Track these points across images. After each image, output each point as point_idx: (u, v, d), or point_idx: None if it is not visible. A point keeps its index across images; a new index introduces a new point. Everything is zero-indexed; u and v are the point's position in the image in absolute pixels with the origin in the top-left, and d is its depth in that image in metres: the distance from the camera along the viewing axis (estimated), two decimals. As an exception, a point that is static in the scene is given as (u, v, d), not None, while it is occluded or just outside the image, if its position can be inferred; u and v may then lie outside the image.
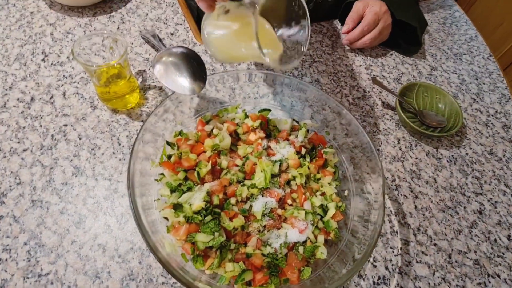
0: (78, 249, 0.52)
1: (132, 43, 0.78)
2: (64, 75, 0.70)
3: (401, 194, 0.64)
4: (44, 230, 0.53)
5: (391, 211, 0.62)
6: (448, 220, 0.62)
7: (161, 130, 0.58)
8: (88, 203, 0.56)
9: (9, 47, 0.73)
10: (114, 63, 0.56)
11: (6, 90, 0.67)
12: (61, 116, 0.65)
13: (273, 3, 0.46)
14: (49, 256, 0.51)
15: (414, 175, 0.67)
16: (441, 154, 0.71)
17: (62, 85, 0.69)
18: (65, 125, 0.64)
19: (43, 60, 0.72)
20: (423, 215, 0.62)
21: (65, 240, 0.52)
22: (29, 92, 0.67)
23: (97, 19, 0.80)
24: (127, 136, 0.64)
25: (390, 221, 0.61)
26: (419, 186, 0.66)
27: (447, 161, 0.70)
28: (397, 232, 0.60)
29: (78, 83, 0.70)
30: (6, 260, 0.50)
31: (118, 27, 0.80)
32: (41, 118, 0.64)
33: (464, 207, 0.64)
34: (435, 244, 0.59)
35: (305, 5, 0.45)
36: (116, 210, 0.56)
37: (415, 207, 0.63)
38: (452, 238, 0.60)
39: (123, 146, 0.62)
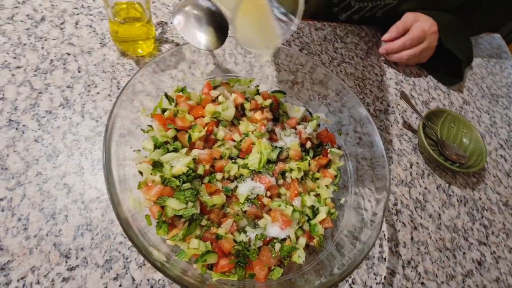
0: (42, 183, 0.47)
1: (161, -8, 0.73)
2: (82, 5, 0.66)
3: (399, 221, 0.59)
4: (12, 154, 0.48)
5: (384, 235, 0.56)
6: (443, 261, 0.56)
7: (165, 86, 0.54)
8: (67, 138, 0.51)
9: (34, -37, 0.69)
10: (134, -1, 0.52)
11: (19, 3, 0.62)
12: (67, 44, 0.60)
13: None
14: (8, 181, 0.46)
15: (419, 205, 0.61)
16: (453, 191, 0.65)
17: (77, 14, 0.64)
18: (68, 54, 0.59)
19: (65, -16, 0.68)
20: (418, 249, 0.56)
21: (31, 169, 0.48)
22: (41, 12, 0.63)
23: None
24: (128, 82, 0.59)
25: (381, 246, 0.55)
26: (421, 217, 0.60)
27: (458, 200, 0.64)
28: (385, 259, 0.54)
29: (94, 16, 0.65)
30: (-37, 172, 0.45)
31: (152, -27, 0.75)
32: (46, 40, 0.60)
33: (464, 253, 0.58)
34: (422, 283, 0.53)
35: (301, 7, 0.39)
36: (94, 154, 0.51)
37: (412, 238, 0.57)
38: (442, 282, 0.54)
39: (121, 91, 0.58)
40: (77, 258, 0.43)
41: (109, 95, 0.57)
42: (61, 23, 0.62)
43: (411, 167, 0.65)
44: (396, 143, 0.68)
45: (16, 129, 0.50)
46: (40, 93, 0.54)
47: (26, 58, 0.57)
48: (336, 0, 0.79)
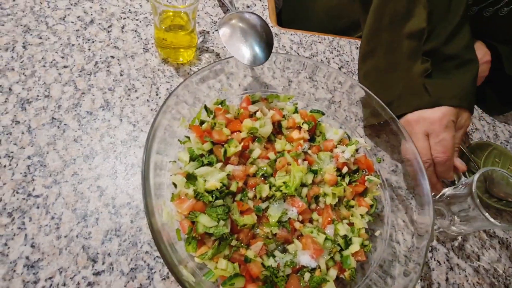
0: (77, 183, 0.48)
1: (205, 2, 0.74)
2: (130, 10, 0.68)
3: (434, 259, 0.55)
4: (52, 151, 0.49)
5: (417, 273, 0.53)
6: (481, 309, 0.52)
7: (203, 96, 0.53)
8: (105, 141, 0.52)
9: (89, -34, 0.72)
10: (182, 8, 0.52)
11: (71, 5, 0.65)
12: (112, 47, 0.62)
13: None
14: (46, 178, 0.47)
15: (456, 243, 0.57)
16: (494, 232, 0.60)
17: (124, 18, 0.66)
18: (112, 57, 0.60)
19: (115, -12, 0.70)
20: (453, 292, 0.52)
21: (68, 169, 0.49)
22: (91, 14, 0.65)
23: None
24: (167, 89, 0.59)
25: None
26: (458, 257, 0.56)
27: (499, 242, 0.59)
28: (417, 299, 0.50)
29: (140, 21, 0.67)
30: (5, 166, 0.47)
31: (198, -18, 0.76)
32: (93, 42, 0.61)
33: (504, 302, 0.54)
34: (456, 331, 0.49)
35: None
36: (128, 159, 0.51)
37: (446, 279, 0.53)
38: (479, 332, 0.50)
39: (159, 98, 0.58)
40: (103, 263, 0.43)
41: (147, 100, 0.57)
42: (109, 26, 0.64)
43: (449, 202, 0.61)
44: (435, 174, 0.64)
45: (58, 127, 0.51)
46: (83, 93, 0.55)
47: (73, 59, 0.58)
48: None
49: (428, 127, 0.54)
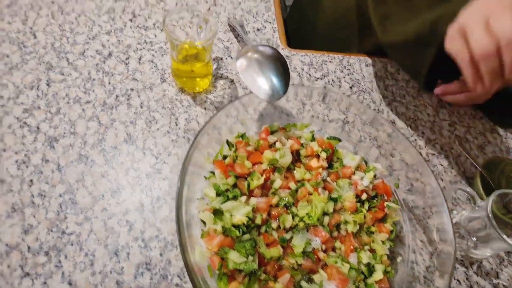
0: (107, 219, 0.50)
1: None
2: (145, 40, 0.70)
3: (454, 278, 0.56)
4: (81, 188, 0.51)
5: (437, 292, 0.54)
6: (502, 327, 0.53)
7: (222, 125, 0.55)
8: (130, 175, 0.54)
9: (104, -1, 0.74)
10: (198, 45, 0.54)
11: (90, 39, 0.67)
12: (131, 79, 0.64)
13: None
14: (78, 215, 0.49)
15: (474, 261, 0.58)
16: (512, 248, 0.61)
17: (141, 49, 0.68)
18: (132, 89, 0.63)
19: (130, 20, 0.72)
20: (474, 311, 0.54)
21: (97, 205, 0.51)
22: (109, 47, 0.67)
23: (191, -6, 0.79)
24: (185, 119, 0.61)
25: (434, 304, 0.53)
26: (477, 275, 0.57)
27: (517, 258, 0.60)
28: (439, 319, 0.52)
29: (156, 51, 0.69)
30: (38, 206, 0.49)
31: (209, 8, 0.78)
32: (112, 75, 0.63)
33: (524, 319, 0.55)
34: None
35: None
36: (153, 191, 0.53)
37: (467, 298, 0.55)
38: None
39: (179, 128, 0.60)
40: (137, 297, 0.45)
41: (168, 131, 0.59)
42: (126, 58, 0.66)
43: (466, 218, 0.62)
44: (452, 192, 0.66)
45: (85, 163, 0.54)
46: (106, 128, 0.57)
47: (95, 93, 0.61)
48: None
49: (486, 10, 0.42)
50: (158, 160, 0.56)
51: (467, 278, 0.56)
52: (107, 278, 0.46)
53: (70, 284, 0.44)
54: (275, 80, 0.52)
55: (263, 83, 0.52)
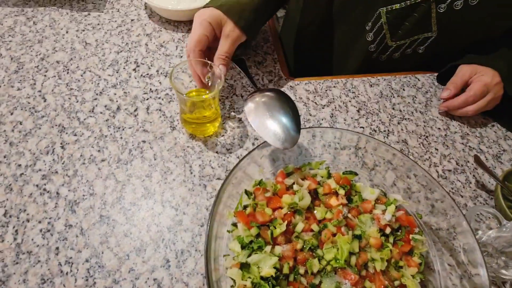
0: (134, 279, 0.50)
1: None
2: (150, 89, 0.71)
3: (488, 300, 0.55)
4: (106, 250, 0.52)
5: (474, 318, 0.53)
6: None
7: (240, 178, 0.55)
8: (152, 230, 0.55)
9: (106, 52, 0.76)
10: (206, 97, 0.55)
11: (97, 94, 0.69)
12: (141, 131, 0.65)
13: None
14: (106, 279, 0.50)
15: (507, 280, 0.57)
16: (543, 261, 0.60)
17: (147, 98, 0.69)
18: (144, 142, 0.63)
19: (134, 70, 0.74)
20: (514, 334, 0.52)
21: (124, 266, 0.51)
22: (117, 101, 0.68)
23: (190, 36, 0.81)
24: (199, 165, 0.62)
25: (472, 332, 0.52)
26: (512, 295, 0.56)
27: (550, 271, 0.59)
28: None
29: (162, 99, 0.70)
30: (67, 274, 0.49)
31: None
32: (123, 130, 0.64)
33: None
34: None
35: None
36: (177, 245, 0.54)
37: (505, 320, 0.53)
38: None
39: (194, 176, 0.61)
40: None
41: (184, 181, 0.60)
42: (135, 110, 0.67)
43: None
44: (471, 206, 0.65)
45: (107, 224, 0.54)
46: (124, 185, 0.58)
47: (109, 150, 0.62)
48: (373, 48, 0.80)
49: None
50: (177, 212, 0.57)
51: (502, 299, 0.55)
52: None
53: None
54: (288, 125, 0.52)
55: (275, 128, 0.52)
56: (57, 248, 0.51)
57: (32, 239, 0.52)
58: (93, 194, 0.57)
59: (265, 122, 0.53)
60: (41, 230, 0.53)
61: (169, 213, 0.57)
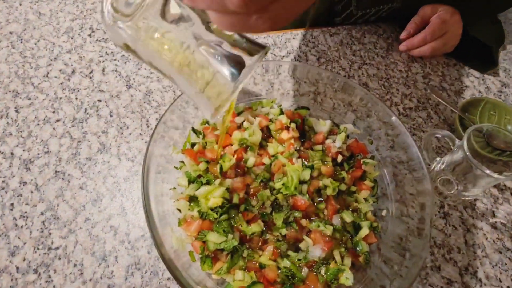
0: (90, 228, 0.50)
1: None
2: (106, 52, 0.70)
3: (449, 224, 0.55)
4: (62, 203, 0.52)
5: (434, 242, 0.53)
6: (506, 264, 0.52)
7: (191, 117, 0.55)
8: (108, 182, 0.54)
9: (61, 20, 0.75)
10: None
11: (51, 60, 0.68)
12: (97, 92, 0.64)
13: None
14: (61, 230, 0.50)
15: (468, 205, 0.57)
16: (505, 185, 0.60)
17: (103, 61, 0.69)
18: (99, 101, 0.63)
19: (89, 35, 0.73)
20: (474, 253, 0.53)
21: (79, 216, 0.51)
22: (72, 65, 0.68)
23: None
24: (156, 119, 0.62)
25: (432, 254, 0.52)
26: (473, 218, 0.56)
27: (512, 194, 0.59)
28: (439, 268, 0.51)
29: (118, 61, 0.69)
30: (22, 227, 0.49)
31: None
32: (78, 91, 0.64)
33: (528, 252, 0.54)
34: (485, 290, 0.50)
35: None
36: (133, 194, 0.53)
37: (465, 242, 0.54)
38: (508, 287, 0.50)
39: (151, 129, 0.60)
40: (130, 298, 0.45)
41: (140, 134, 0.60)
42: (90, 72, 0.67)
43: (453, 165, 0.61)
44: (433, 140, 0.65)
45: (62, 179, 0.54)
46: (79, 142, 0.58)
47: (64, 111, 0.61)
48: (339, 9, 0.78)
49: None
50: (134, 163, 0.56)
51: (462, 222, 0.55)
52: (98, 284, 0.46)
53: (62, 296, 0.45)
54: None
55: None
56: (12, 204, 0.51)
57: (-13, 198, 0.52)
58: (48, 152, 0.56)
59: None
60: (-5, 189, 0.52)
61: (126, 165, 0.56)
